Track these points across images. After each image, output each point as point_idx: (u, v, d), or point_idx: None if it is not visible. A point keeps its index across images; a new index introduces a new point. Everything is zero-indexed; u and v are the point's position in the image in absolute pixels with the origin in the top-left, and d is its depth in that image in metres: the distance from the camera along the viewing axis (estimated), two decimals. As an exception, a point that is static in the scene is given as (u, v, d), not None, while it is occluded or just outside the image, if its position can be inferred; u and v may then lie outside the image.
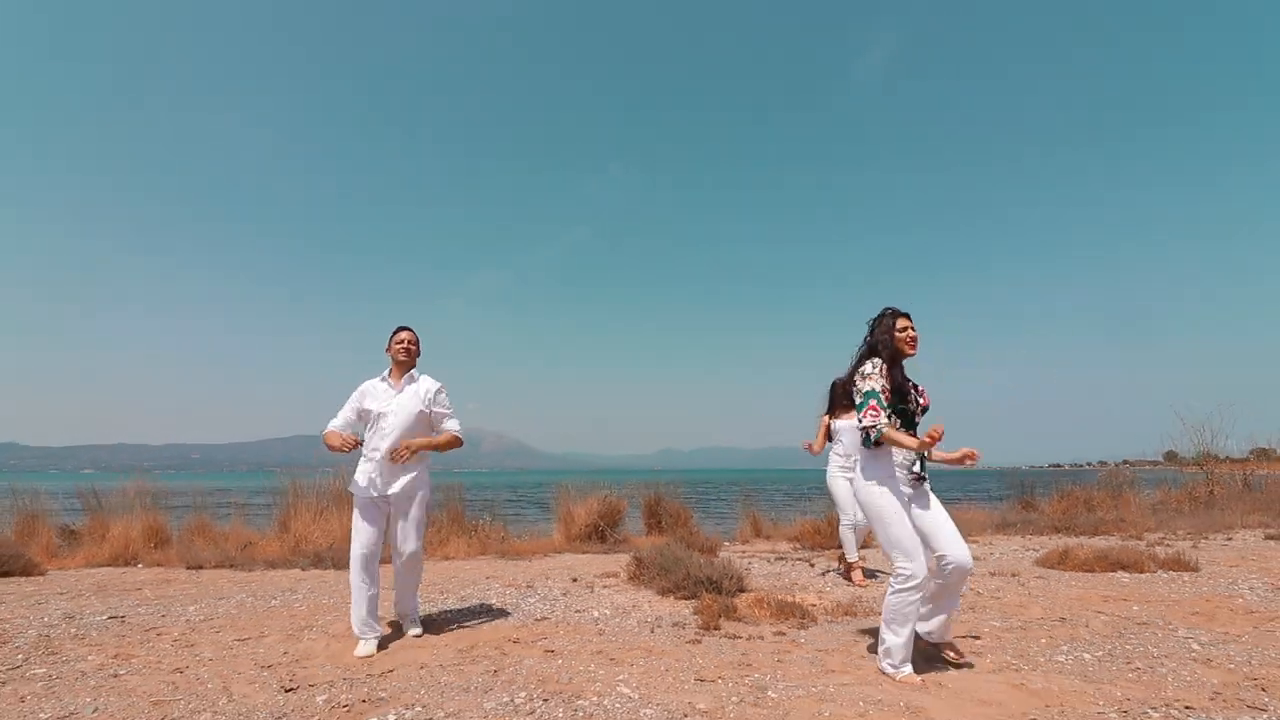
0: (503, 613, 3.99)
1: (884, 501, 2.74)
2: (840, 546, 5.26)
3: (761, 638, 3.35)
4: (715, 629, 3.50)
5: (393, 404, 3.39)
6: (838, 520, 5.23)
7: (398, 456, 3.28)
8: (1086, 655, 2.94)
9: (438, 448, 3.46)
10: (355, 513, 3.33)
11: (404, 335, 3.49)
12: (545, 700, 2.43)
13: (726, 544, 8.15)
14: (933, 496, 2.83)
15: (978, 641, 3.22)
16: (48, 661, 3.00)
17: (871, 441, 2.74)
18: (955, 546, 2.72)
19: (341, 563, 6.21)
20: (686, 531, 8.08)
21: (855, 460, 5.09)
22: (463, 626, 3.65)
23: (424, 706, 2.39)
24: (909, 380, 2.89)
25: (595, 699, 2.44)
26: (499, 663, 2.93)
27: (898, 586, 2.67)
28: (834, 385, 5.25)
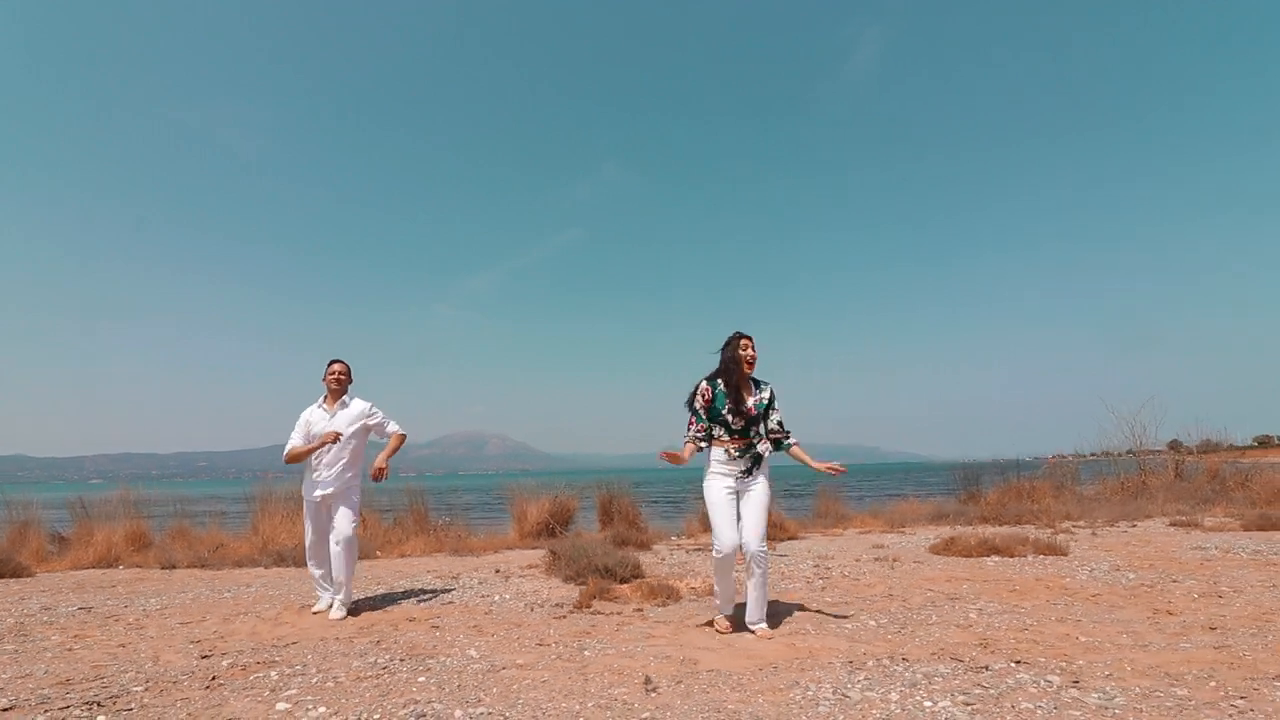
0: (417, 598, 4.60)
1: (709, 491, 3.42)
2: None
3: (619, 613, 3.94)
4: (586, 607, 4.09)
5: (331, 428, 4.10)
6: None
7: (378, 478, 4.19)
8: (873, 622, 3.52)
9: (393, 453, 4.29)
10: (305, 514, 4.17)
11: (336, 367, 4.23)
12: (403, 660, 3.03)
13: (674, 539, 8.73)
14: (754, 493, 3.42)
15: (801, 612, 3.80)
16: (17, 640, 3.62)
17: (684, 443, 3.44)
18: (748, 536, 3.34)
19: (302, 560, 6.86)
20: (629, 527, 8.67)
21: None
22: (376, 609, 4.25)
23: (303, 665, 2.99)
24: (753, 388, 3.51)
25: (444, 659, 3.04)
26: (386, 636, 3.53)
27: (714, 557, 3.33)
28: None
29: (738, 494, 3.44)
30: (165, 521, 8.47)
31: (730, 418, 3.44)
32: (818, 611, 3.86)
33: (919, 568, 5.36)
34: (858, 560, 5.86)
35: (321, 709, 2.44)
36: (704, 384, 3.51)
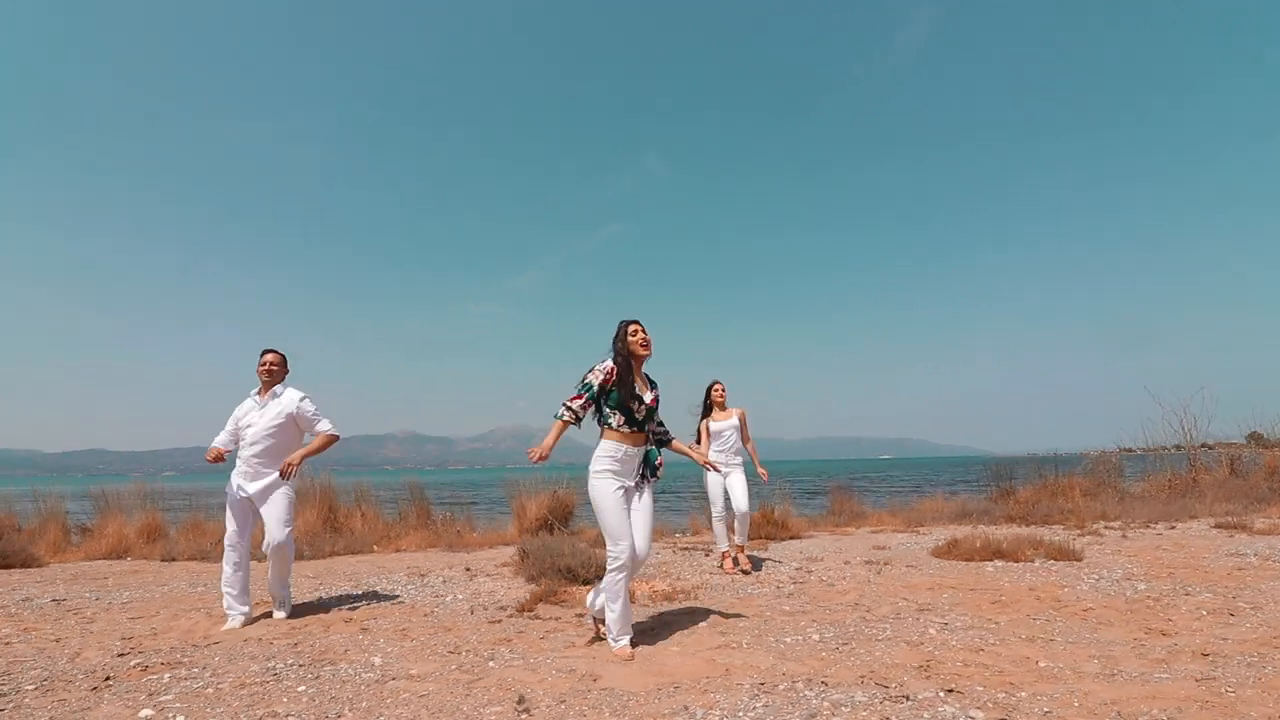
0: (369, 598, 4.52)
1: (598, 492, 3.10)
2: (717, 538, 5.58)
3: (558, 619, 3.75)
4: (529, 611, 3.92)
5: (255, 417, 3.97)
6: (711, 514, 5.54)
7: (286, 474, 3.88)
8: (816, 636, 3.21)
9: (314, 452, 4.01)
10: (226, 508, 3.96)
11: (268, 357, 4.06)
12: (302, 667, 2.92)
13: (677, 535, 8.49)
14: (648, 494, 3.18)
15: (746, 621, 3.52)
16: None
17: (555, 416, 3.10)
18: (637, 539, 3.08)
19: (296, 554, 6.94)
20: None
21: (731, 457, 5.41)
22: (318, 609, 4.19)
23: (203, 668, 2.91)
24: (646, 382, 3.23)
25: (342, 667, 2.91)
26: (309, 638, 3.44)
27: (609, 566, 3.04)
28: (709, 389, 5.58)
29: (629, 497, 3.16)
30: (182, 514, 8.76)
31: (635, 405, 3.14)
32: (765, 619, 3.57)
33: (908, 573, 4.97)
34: (847, 563, 5.50)
35: (180, 719, 2.33)
36: (609, 363, 3.18)
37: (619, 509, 3.06)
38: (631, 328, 3.23)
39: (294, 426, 4.00)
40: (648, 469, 3.20)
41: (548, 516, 8.54)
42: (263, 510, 3.93)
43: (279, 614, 4.02)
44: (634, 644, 3.10)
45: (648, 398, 3.18)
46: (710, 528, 5.55)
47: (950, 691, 2.41)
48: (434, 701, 2.45)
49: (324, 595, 4.65)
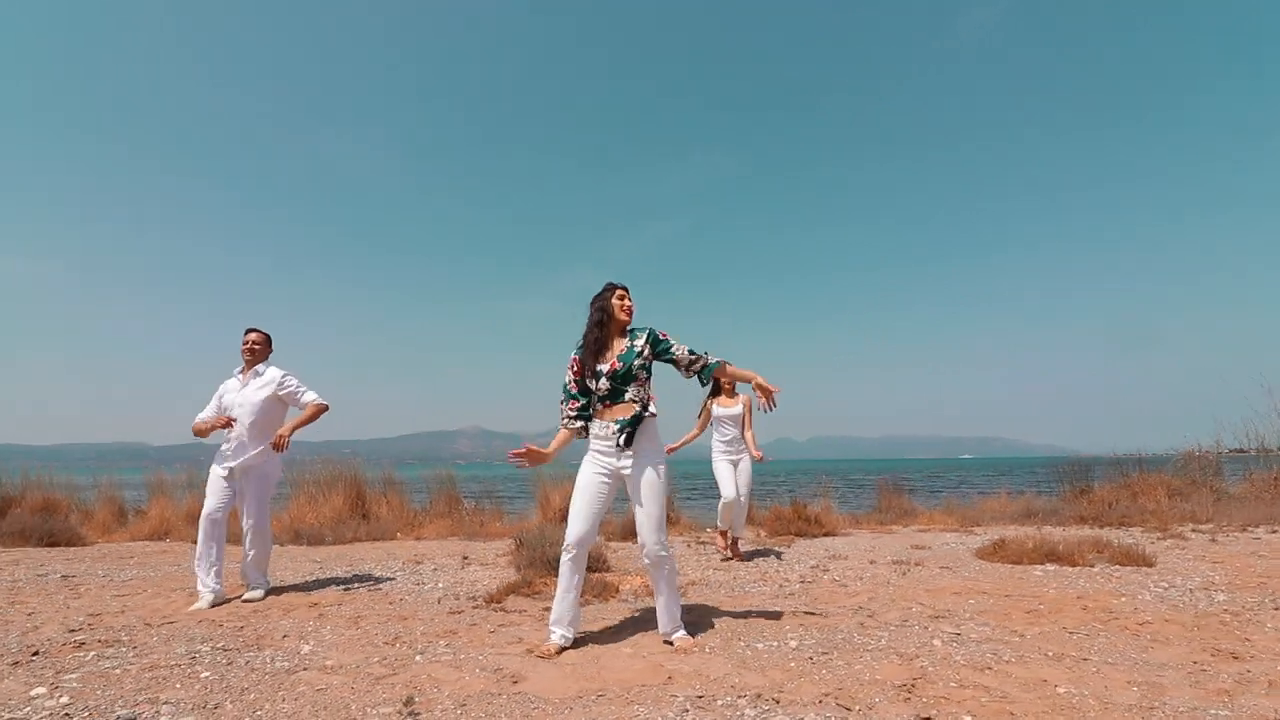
0: (350, 583, 4.38)
1: (579, 474, 2.87)
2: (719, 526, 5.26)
3: (522, 611, 3.46)
4: (496, 602, 3.65)
5: (239, 397, 3.92)
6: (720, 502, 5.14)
7: (279, 446, 3.83)
8: (794, 643, 2.76)
9: (305, 423, 3.96)
10: (208, 484, 3.90)
11: (250, 336, 4.01)
12: (226, 650, 2.75)
13: (709, 530, 8.08)
14: (644, 480, 2.79)
15: (728, 621, 3.11)
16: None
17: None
18: (643, 534, 2.78)
19: (315, 539, 7.01)
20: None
21: (735, 447, 5.02)
22: (297, 593, 4.06)
23: (131, 648, 2.79)
24: (622, 343, 2.90)
25: (267, 652, 2.72)
26: (256, 623, 3.29)
27: (562, 549, 2.76)
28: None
29: (618, 479, 2.84)
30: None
31: (592, 382, 2.85)
32: (746, 620, 3.14)
33: (938, 575, 4.39)
34: (872, 563, 4.94)
35: (65, 699, 2.18)
36: (573, 355, 2.93)
37: (585, 491, 2.81)
38: (619, 292, 2.93)
39: (278, 404, 3.95)
40: (628, 430, 2.78)
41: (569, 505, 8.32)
42: (245, 490, 3.86)
43: (251, 595, 3.92)
44: (578, 642, 2.77)
45: (604, 367, 2.84)
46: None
47: None
48: (327, 697, 2.19)
49: (313, 579, 4.56)
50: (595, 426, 2.87)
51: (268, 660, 2.61)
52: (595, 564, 4.60)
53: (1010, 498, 9.86)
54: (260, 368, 4.01)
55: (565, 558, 2.76)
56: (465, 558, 5.45)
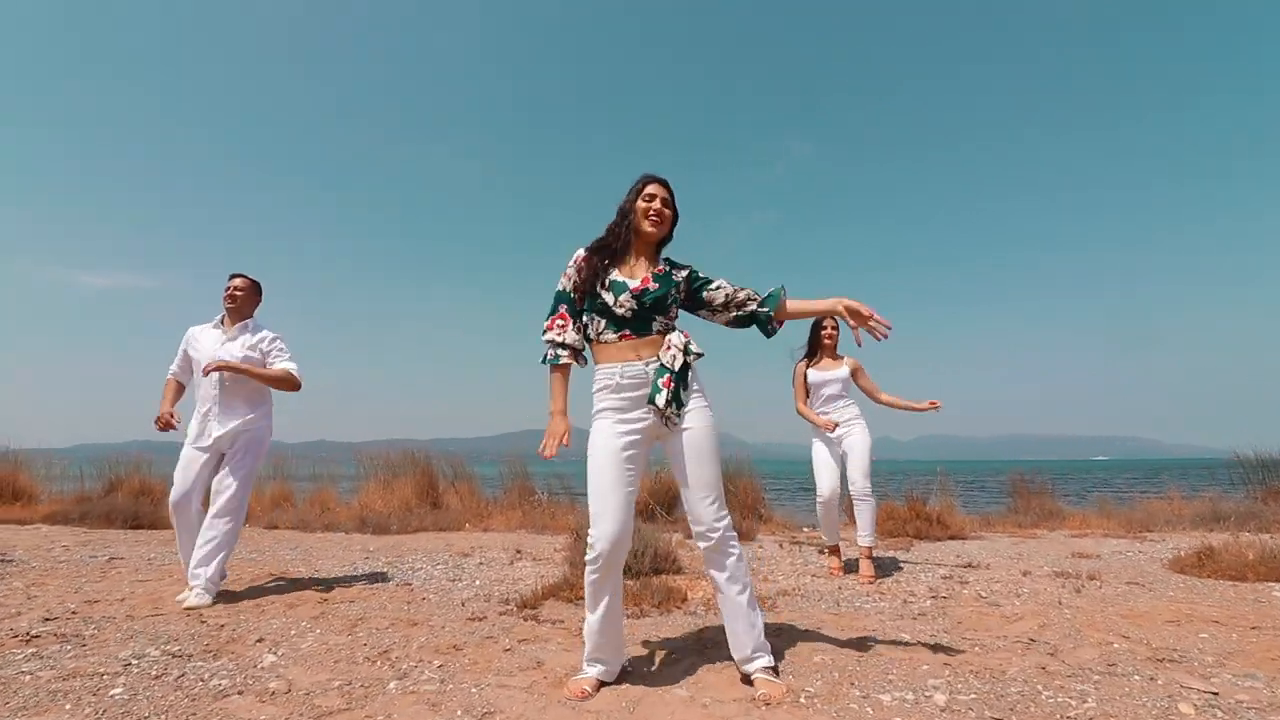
0: (382, 577, 3.81)
1: (590, 442, 1.99)
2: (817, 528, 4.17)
3: (556, 622, 2.68)
4: (529, 608, 2.90)
5: (220, 351, 3.26)
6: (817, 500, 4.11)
7: (211, 370, 3.09)
8: (940, 697, 1.79)
9: (259, 376, 3.20)
10: (177, 466, 3.23)
11: (233, 283, 3.37)
12: (174, 656, 2.17)
13: (806, 530, 7.05)
14: (692, 435, 1.93)
15: (818, 653, 2.17)
16: (4, 581, 3.52)
17: (542, 362, 2.02)
18: (698, 505, 1.93)
19: (380, 528, 6.66)
20: (746, 513, 7.21)
21: (840, 417, 3.97)
22: (316, 587, 3.52)
23: (81, 645, 2.29)
24: (653, 264, 2.05)
25: (221, 661, 2.12)
26: (240, 622, 2.72)
27: (586, 556, 1.90)
28: (815, 327, 4.13)
29: (651, 442, 1.99)
30: (308, 488, 9.07)
31: (610, 297, 1.97)
32: (862, 654, 2.19)
33: (1130, 594, 3.20)
34: (1025, 574, 3.78)
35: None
36: (581, 252, 2.06)
37: (608, 470, 1.90)
38: (650, 188, 2.05)
39: (261, 361, 3.29)
40: (675, 394, 1.91)
41: (648, 501, 7.53)
42: (225, 463, 3.23)
43: (194, 599, 3.04)
44: (620, 677, 1.95)
45: (632, 282, 1.99)
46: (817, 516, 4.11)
47: None
48: (235, 743, 1.51)
49: (344, 571, 4.04)
50: (603, 374, 1.98)
51: (208, 675, 1.99)
52: (660, 563, 3.76)
53: (1184, 499, 8.04)
54: (251, 323, 3.36)
55: (591, 571, 1.89)
56: (518, 551, 4.78)
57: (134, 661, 2.11)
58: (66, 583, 3.58)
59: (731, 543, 1.93)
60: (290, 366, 3.29)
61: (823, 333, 4.04)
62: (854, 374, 4.00)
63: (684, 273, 2.05)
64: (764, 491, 7.90)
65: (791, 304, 2.04)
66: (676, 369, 1.90)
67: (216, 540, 3.13)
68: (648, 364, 1.94)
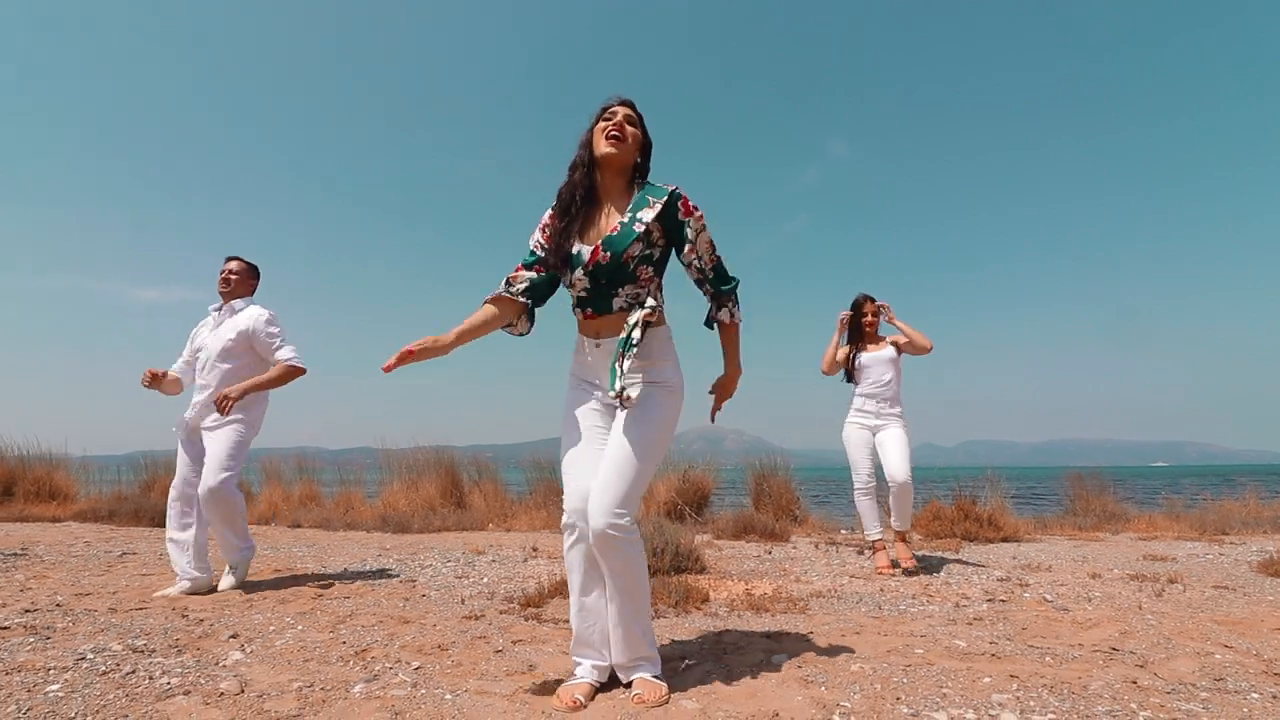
0: (387, 574, 3.60)
1: (563, 420, 1.80)
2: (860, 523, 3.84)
3: (561, 621, 2.41)
4: (533, 606, 2.64)
5: (210, 336, 3.16)
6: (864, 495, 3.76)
7: (222, 409, 2.92)
8: (1011, 718, 1.46)
9: (268, 384, 3.06)
10: (178, 452, 3.13)
11: (228, 266, 3.22)
12: (132, 651, 1.97)
13: (844, 531, 6.65)
14: (619, 427, 1.64)
15: (854, 662, 1.85)
16: (6, 574, 3.44)
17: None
18: (595, 491, 1.60)
19: (401, 527, 6.51)
20: (779, 513, 6.85)
21: (883, 407, 3.66)
22: (317, 582, 3.33)
23: (52, 639, 2.11)
24: (630, 206, 1.73)
25: (184, 658, 1.91)
26: (225, 616, 2.53)
27: (562, 525, 1.66)
28: (857, 306, 3.85)
29: (610, 415, 1.74)
30: (335, 489, 9.04)
31: (566, 274, 1.73)
32: (910, 665, 1.85)
33: (1223, 599, 2.77)
34: (1094, 577, 3.36)
35: None
36: (547, 215, 1.80)
37: (574, 436, 1.73)
38: (610, 110, 1.76)
39: (251, 351, 3.11)
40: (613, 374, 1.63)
41: (675, 500, 7.23)
42: (208, 449, 3.02)
43: (224, 583, 3.10)
44: (619, 681, 1.66)
45: (583, 250, 1.68)
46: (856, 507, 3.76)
47: None
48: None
49: (352, 567, 3.86)
50: (576, 342, 1.79)
51: (160, 673, 1.78)
52: (682, 561, 3.47)
53: (1261, 501, 7.34)
54: (238, 304, 3.18)
55: (569, 540, 1.67)
56: (534, 549, 4.54)
57: (89, 656, 1.92)
58: (68, 576, 3.47)
59: (621, 543, 1.55)
60: (285, 356, 3.09)
61: (864, 320, 3.82)
62: (897, 349, 3.80)
63: (658, 205, 1.69)
64: (799, 494, 7.50)
65: (725, 334, 1.84)
66: (624, 335, 1.62)
67: (221, 524, 3.02)
68: (606, 339, 1.70)
